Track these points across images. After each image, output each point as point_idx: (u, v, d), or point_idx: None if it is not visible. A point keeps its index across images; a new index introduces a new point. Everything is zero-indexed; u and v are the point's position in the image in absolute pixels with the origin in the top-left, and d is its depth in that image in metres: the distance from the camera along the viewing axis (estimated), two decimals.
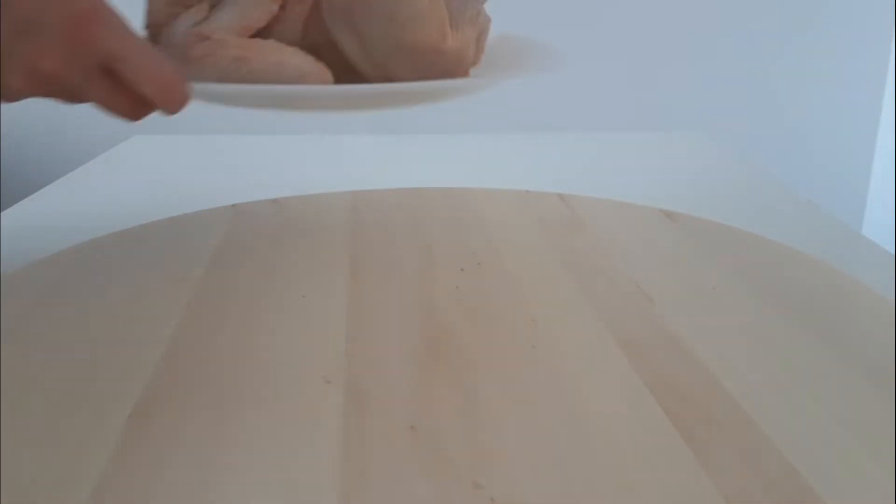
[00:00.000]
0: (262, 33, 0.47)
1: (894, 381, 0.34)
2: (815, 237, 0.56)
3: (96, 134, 1.11)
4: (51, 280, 0.47)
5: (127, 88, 0.38)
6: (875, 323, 0.39)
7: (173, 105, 0.39)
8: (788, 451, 0.30)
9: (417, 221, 0.58)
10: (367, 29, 0.46)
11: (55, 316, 0.42)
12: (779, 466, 0.29)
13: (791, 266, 0.46)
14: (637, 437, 0.31)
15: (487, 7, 0.50)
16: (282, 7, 0.48)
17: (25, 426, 0.32)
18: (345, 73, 0.48)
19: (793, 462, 0.29)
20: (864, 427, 0.31)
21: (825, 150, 1.13)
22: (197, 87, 0.42)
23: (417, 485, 0.28)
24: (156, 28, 0.49)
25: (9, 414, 0.33)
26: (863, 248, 0.56)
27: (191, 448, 0.30)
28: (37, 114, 1.15)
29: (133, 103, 0.38)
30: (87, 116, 1.14)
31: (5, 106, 1.12)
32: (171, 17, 0.49)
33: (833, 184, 1.07)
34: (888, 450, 0.30)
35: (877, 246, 0.56)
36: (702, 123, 1.02)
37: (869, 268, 0.50)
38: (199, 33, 0.46)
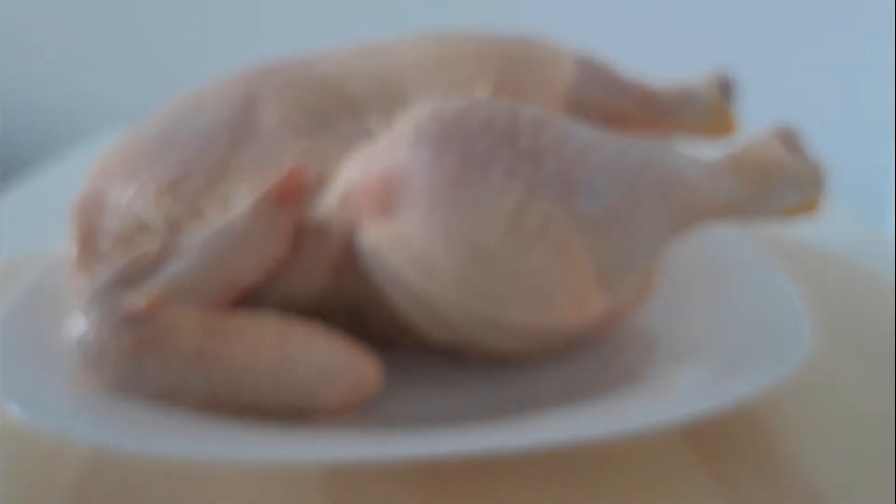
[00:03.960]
0: (262, 286, 0.29)
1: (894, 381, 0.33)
2: (838, 235, 0.54)
3: (80, 122, 1.10)
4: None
5: None
6: None
7: None
8: (800, 457, 0.29)
9: None
10: (438, 299, 0.28)
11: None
12: (789, 473, 0.28)
13: (812, 265, 0.44)
14: (638, 438, 0.29)
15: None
16: (293, 246, 0.29)
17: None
18: (397, 330, 0.31)
19: (804, 470, 0.28)
20: (883, 438, 0.30)
21: (848, 148, 1.11)
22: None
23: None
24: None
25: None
26: (887, 247, 0.54)
27: None
28: (36, 111, 1.15)
29: None
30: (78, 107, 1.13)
31: (5, 99, 1.12)
32: (91, 267, 0.30)
33: (857, 182, 1.05)
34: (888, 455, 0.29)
35: None
36: None
37: (892, 267, 0.48)
38: (128, 310, 0.26)
